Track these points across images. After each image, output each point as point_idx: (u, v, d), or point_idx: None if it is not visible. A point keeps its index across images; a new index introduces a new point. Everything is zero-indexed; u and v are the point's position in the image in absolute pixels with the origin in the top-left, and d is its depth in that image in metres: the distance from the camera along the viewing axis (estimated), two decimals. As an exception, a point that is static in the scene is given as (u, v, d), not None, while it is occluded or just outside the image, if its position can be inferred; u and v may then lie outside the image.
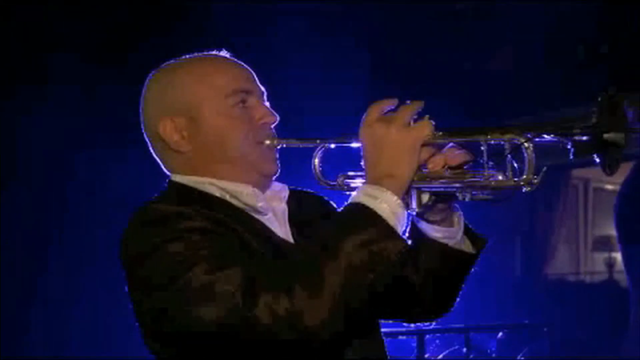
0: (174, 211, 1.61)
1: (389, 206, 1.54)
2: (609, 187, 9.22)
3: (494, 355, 5.74)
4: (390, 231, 1.52)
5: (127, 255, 1.63)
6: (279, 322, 1.45)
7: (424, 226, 1.78)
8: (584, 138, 1.50)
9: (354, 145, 1.71)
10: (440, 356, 5.28)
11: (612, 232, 8.77)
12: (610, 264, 8.66)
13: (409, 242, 1.59)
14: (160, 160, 1.83)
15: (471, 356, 5.11)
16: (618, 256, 8.56)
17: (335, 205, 1.88)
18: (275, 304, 1.45)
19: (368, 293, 1.51)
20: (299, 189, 1.93)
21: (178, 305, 1.52)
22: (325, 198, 1.95)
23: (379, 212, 1.53)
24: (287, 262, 1.57)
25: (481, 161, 1.60)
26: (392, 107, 1.63)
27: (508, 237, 7.97)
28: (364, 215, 1.53)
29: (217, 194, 1.73)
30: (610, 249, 8.64)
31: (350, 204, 1.57)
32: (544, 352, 5.84)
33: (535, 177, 1.55)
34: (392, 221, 1.53)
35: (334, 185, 1.80)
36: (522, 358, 5.82)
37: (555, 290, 8.10)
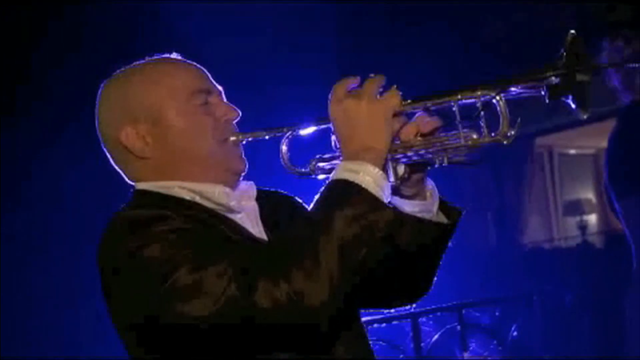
0: (148, 215, 1.56)
1: (372, 178, 1.52)
2: (573, 151, 9.31)
3: (489, 329, 5.76)
4: (377, 203, 1.50)
5: (105, 266, 1.58)
6: (280, 306, 1.42)
7: (398, 202, 1.74)
8: (555, 81, 1.49)
9: (323, 126, 1.67)
10: (436, 336, 5.27)
11: (581, 195, 8.88)
12: (583, 227, 8.70)
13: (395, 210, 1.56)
14: (123, 170, 1.77)
15: (467, 333, 5.12)
16: (590, 219, 8.64)
17: (304, 203, 1.83)
18: (274, 289, 1.42)
19: (363, 268, 1.48)
20: (266, 188, 1.88)
21: (167, 308, 1.46)
22: (293, 195, 1.90)
23: (364, 185, 1.50)
24: (277, 246, 1.54)
25: (456, 122, 1.57)
26: (356, 84, 1.60)
27: (479, 213, 7.99)
28: (349, 190, 1.50)
29: (187, 196, 1.68)
30: (582, 212, 8.70)
31: (333, 181, 1.54)
32: (537, 321, 5.87)
33: (511, 129, 1.52)
34: (377, 193, 1.51)
35: (305, 172, 1.76)
36: (516, 330, 5.85)
37: (532, 259, 8.13)
